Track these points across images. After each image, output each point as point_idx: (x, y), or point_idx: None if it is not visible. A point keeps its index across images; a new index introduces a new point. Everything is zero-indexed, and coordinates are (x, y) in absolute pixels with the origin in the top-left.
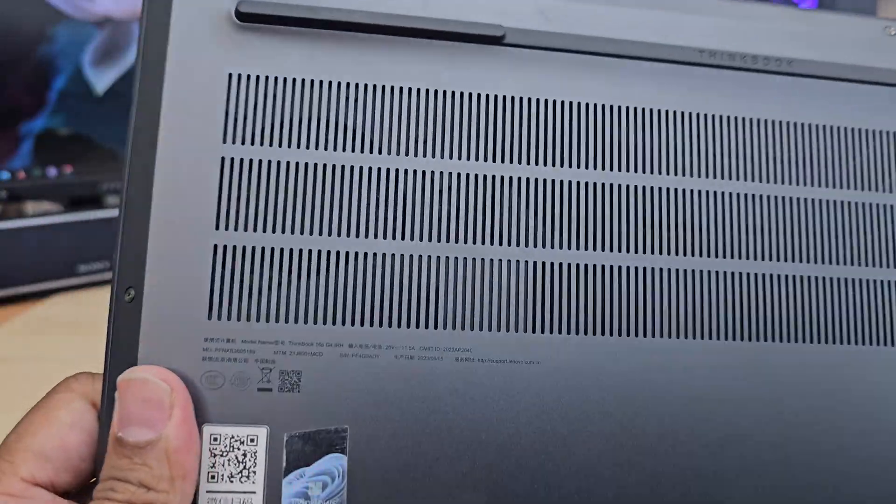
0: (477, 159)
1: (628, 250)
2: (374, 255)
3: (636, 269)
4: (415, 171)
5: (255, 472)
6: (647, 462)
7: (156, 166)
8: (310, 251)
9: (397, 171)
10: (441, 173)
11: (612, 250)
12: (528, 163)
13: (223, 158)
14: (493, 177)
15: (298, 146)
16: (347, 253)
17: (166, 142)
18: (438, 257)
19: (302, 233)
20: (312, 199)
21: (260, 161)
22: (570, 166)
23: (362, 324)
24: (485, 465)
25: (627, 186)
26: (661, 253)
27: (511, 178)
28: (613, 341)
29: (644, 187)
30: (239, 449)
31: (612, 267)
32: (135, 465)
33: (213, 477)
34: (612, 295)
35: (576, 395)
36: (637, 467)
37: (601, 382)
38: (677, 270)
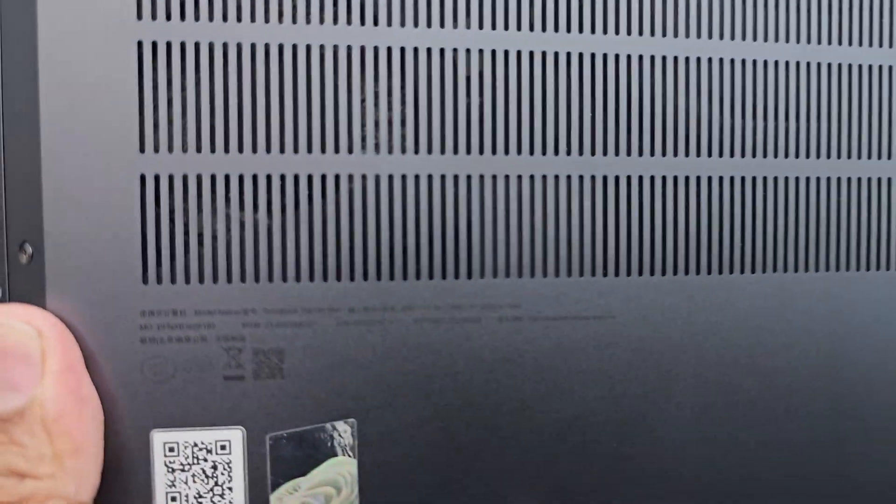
0: (518, 28)
1: (741, 153)
2: (377, 177)
3: (760, 179)
4: (428, 50)
5: (230, 490)
6: (761, 443)
7: (39, 53)
8: (283, 177)
9: (402, 50)
10: (467, 51)
11: (728, 155)
12: (593, 31)
13: (141, 43)
14: (543, 54)
15: (253, 19)
16: (338, 177)
17: (49, 17)
18: (469, 177)
19: (269, 150)
20: (281, 99)
21: (198, 44)
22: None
23: (366, 277)
24: (545, 459)
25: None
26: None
27: (571, 55)
28: (717, 281)
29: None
30: (206, 460)
31: (728, 179)
32: (1, 446)
33: (173, 499)
34: (720, 217)
35: (666, 357)
36: (745, 446)
37: (699, 339)
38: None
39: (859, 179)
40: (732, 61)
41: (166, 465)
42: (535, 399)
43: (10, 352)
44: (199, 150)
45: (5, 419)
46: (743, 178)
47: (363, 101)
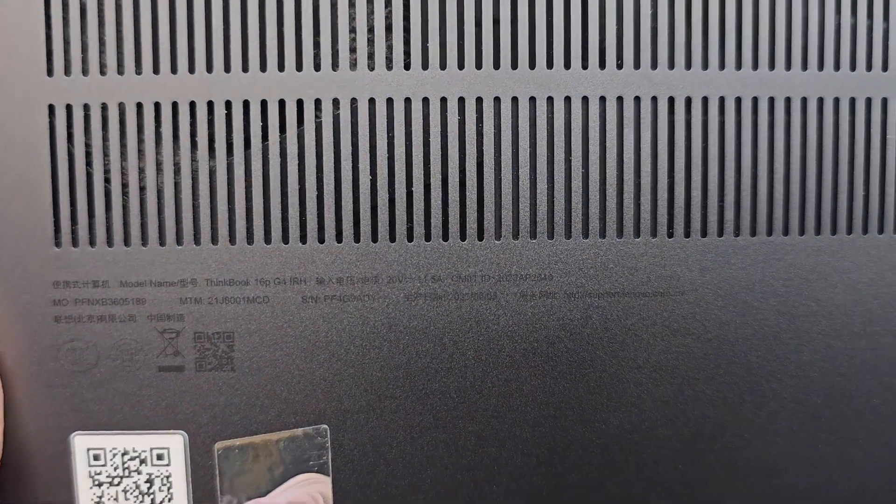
0: None
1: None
2: (353, 101)
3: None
4: None
5: None
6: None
7: None
8: (228, 104)
9: None
10: None
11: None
12: None
13: None
14: None
15: None
16: (301, 102)
17: None
18: (479, 100)
19: (210, 69)
20: (226, 0)
21: None
22: None
23: (339, 239)
24: (583, 485)
25: None
26: None
27: None
28: (826, 244)
29: None
30: (139, 472)
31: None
32: None
33: None
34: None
35: (758, 348)
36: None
37: (804, 322)
38: None
39: None
40: None
41: (91, 476)
42: (572, 404)
43: None
44: (120, 71)
45: None
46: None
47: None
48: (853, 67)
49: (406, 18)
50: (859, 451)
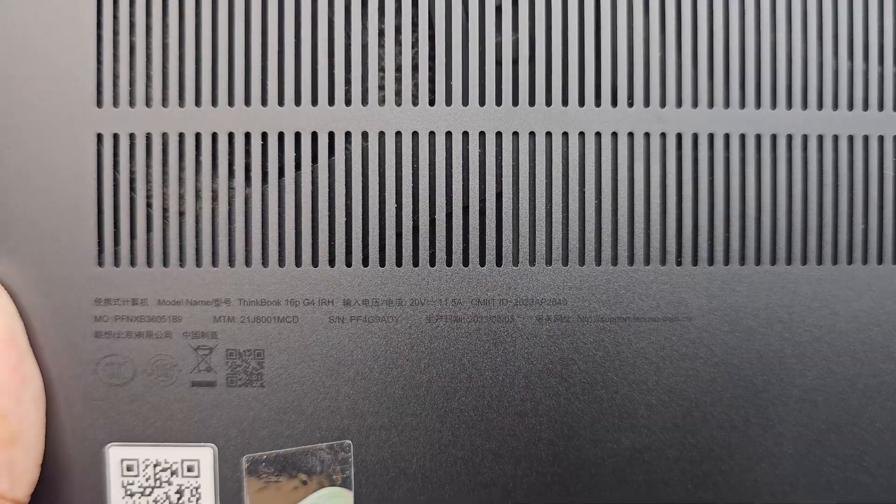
0: None
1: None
2: (381, 134)
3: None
4: None
5: None
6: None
7: None
8: (265, 135)
9: None
10: None
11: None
12: None
13: None
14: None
15: None
16: (332, 135)
17: None
18: (499, 133)
19: (248, 102)
20: (264, 39)
21: None
22: None
23: (366, 263)
24: None
25: None
26: None
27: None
28: (828, 274)
29: None
30: (170, 483)
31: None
32: None
33: None
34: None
35: (762, 372)
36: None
37: (806, 348)
38: None
39: None
40: None
41: (124, 486)
42: (585, 424)
43: None
44: (164, 103)
45: None
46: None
47: (379, 40)
48: (850, 107)
49: (431, 58)
50: (865, 475)
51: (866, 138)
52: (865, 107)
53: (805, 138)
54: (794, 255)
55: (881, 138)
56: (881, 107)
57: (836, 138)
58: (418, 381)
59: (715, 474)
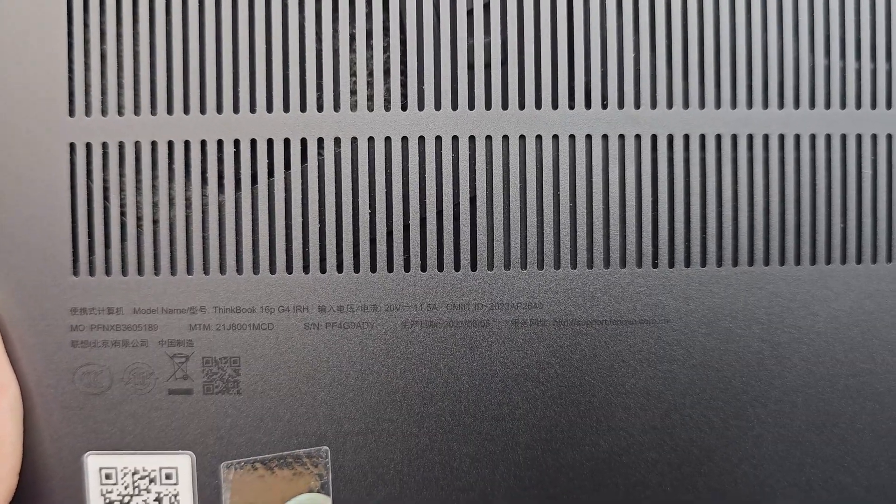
0: None
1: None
2: (354, 140)
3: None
4: None
5: None
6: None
7: None
8: (237, 142)
9: None
10: None
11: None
12: None
13: None
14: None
15: None
16: (304, 141)
17: None
18: (472, 138)
19: (220, 110)
20: (235, 44)
21: None
22: None
23: (340, 269)
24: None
25: None
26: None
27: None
28: (810, 274)
29: None
30: (149, 490)
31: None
32: None
33: None
34: (813, 202)
35: (741, 374)
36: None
37: (785, 349)
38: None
39: None
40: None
41: (102, 494)
42: (562, 428)
43: None
44: (136, 111)
45: None
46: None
47: (351, 45)
48: (827, 105)
49: (403, 63)
50: (845, 475)
51: (843, 137)
52: (843, 105)
53: (782, 138)
54: (772, 255)
55: (859, 137)
56: (858, 105)
57: (812, 137)
58: (395, 387)
59: (694, 476)
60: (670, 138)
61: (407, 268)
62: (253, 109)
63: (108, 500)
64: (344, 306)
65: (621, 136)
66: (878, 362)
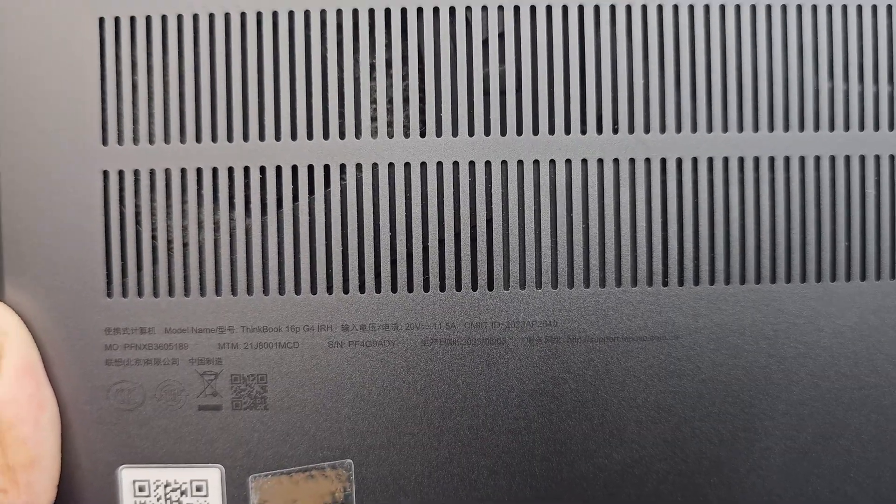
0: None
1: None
2: (375, 166)
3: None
4: (435, 9)
5: None
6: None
7: None
8: (263, 169)
9: (404, 10)
10: (483, 8)
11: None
12: None
13: (102, 20)
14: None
15: None
16: (328, 167)
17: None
18: (488, 163)
19: (247, 138)
20: (260, 75)
21: (165, 17)
22: None
23: (362, 289)
24: None
25: None
26: None
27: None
28: (814, 291)
29: None
30: (179, 502)
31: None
32: None
33: None
34: (818, 220)
35: (749, 389)
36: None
37: (794, 365)
38: None
39: None
40: None
41: None
42: (577, 441)
43: None
44: (166, 140)
45: None
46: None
47: (372, 72)
48: (832, 128)
49: (422, 90)
50: (851, 485)
51: (847, 158)
52: (846, 127)
53: (787, 160)
54: (779, 273)
55: (862, 158)
56: (861, 127)
57: (817, 159)
58: (415, 402)
59: (704, 487)
60: (679, 161)
61: (427, 288)
62: (278, 137)
63: None
64: (366, 325)
65: (631, 160)
66: (882, 375)
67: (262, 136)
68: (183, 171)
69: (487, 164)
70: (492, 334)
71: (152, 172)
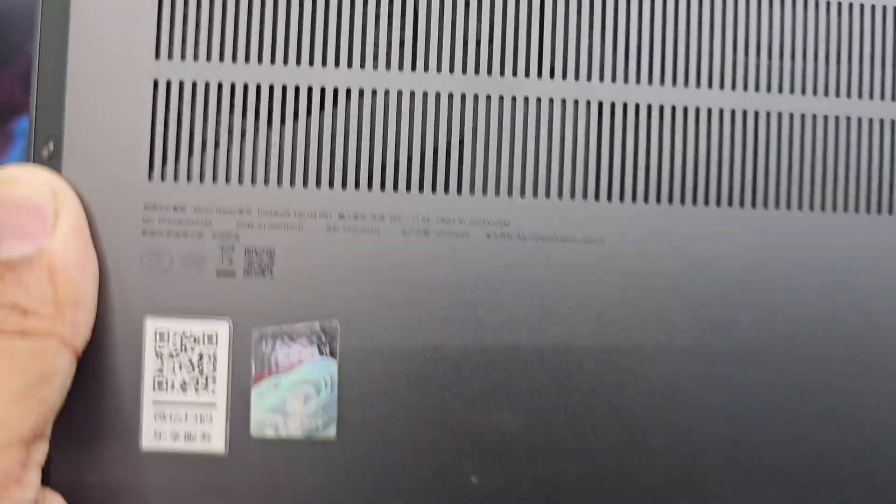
0: None
1: (745, 87)
2: (374, 92)
3: (763, 113)
4: None
5: (214, 380)
6: (757, 388)
7: None
8: (284, 87)
9: None
10: None
11: (718, 87)
12: None
13: None
14: None
15: None
16: (336, 90)
17: None
18: (464, 95)
19: (274, 61)
20: (287, 13)
21: None
22: None
23: (357, 186)
24: (525, 377)
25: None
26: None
27: None
28: (714, 213)
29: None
30: (192, 349)
31: (730, 112)
32: (8, 285)
33: (160, 384)
34: (719, 147)
35: (656, 288)
36: (738, 384)
37: (693, 270)
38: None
39: (870, 120)
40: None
41: (156, 351)
42: (519, 317)
43: (26, 207)
44: (208, 58)
45: (17, 263)
46: (745, 112)
47: (375, 20)
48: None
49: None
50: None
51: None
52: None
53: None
54: (687, 195)
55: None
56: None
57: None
58: (394, 278)
59: (618, 362)
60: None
61: (408, 188)
62: (298, 62)
63: (159, 356)
64: (358, 215)
65: (576, 102)
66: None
67: (285, 61)
68: (219, 84)
69: (463, 96)
70: (458, 229)
71: (194, 84)
